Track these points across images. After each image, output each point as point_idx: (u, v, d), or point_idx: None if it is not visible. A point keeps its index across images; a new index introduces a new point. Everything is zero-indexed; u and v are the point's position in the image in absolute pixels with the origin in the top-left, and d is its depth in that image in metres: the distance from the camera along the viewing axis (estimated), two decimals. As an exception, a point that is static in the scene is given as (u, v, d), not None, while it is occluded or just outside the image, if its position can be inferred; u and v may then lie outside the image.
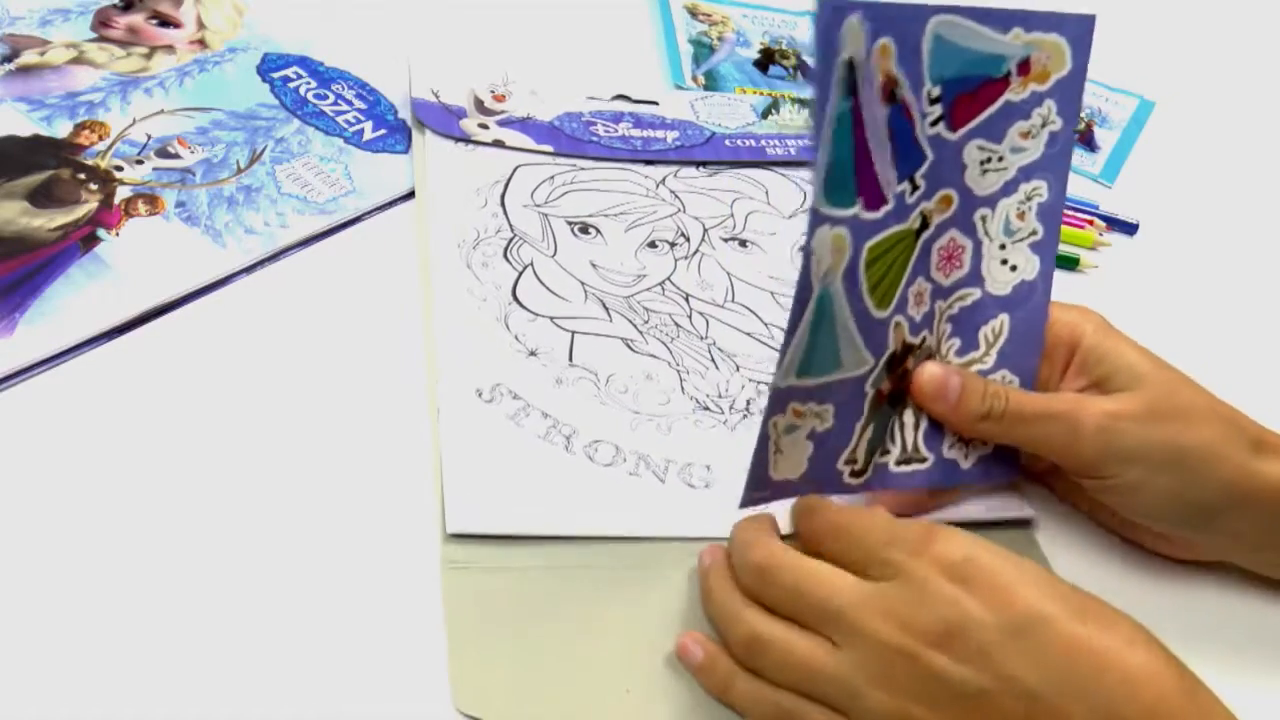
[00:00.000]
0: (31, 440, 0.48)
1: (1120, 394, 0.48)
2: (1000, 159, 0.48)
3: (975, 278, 0.49)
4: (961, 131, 0.48)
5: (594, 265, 0.60)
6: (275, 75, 0.67)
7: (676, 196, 0.65)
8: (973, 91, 0.47)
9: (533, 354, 0.55)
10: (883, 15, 0.44)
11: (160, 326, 0.54)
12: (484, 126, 0.66)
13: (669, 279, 0.61)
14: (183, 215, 0.58)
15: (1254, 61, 0.86)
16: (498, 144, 0.65)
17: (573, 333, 0.56)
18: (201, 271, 0.55)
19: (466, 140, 0.65)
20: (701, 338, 0.58)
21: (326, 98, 0.67)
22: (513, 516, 0.48)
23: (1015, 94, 0.48)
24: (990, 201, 0.49)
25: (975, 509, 0.52)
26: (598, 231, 0.62)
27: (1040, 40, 0.48)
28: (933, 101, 0.46)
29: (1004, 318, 0.49)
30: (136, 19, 0.69)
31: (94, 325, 0.52)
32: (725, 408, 0.55)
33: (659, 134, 0.69)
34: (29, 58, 0.65)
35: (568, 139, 0.67)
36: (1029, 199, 0.49)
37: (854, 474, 0.48)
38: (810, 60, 0.79)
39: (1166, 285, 0.67)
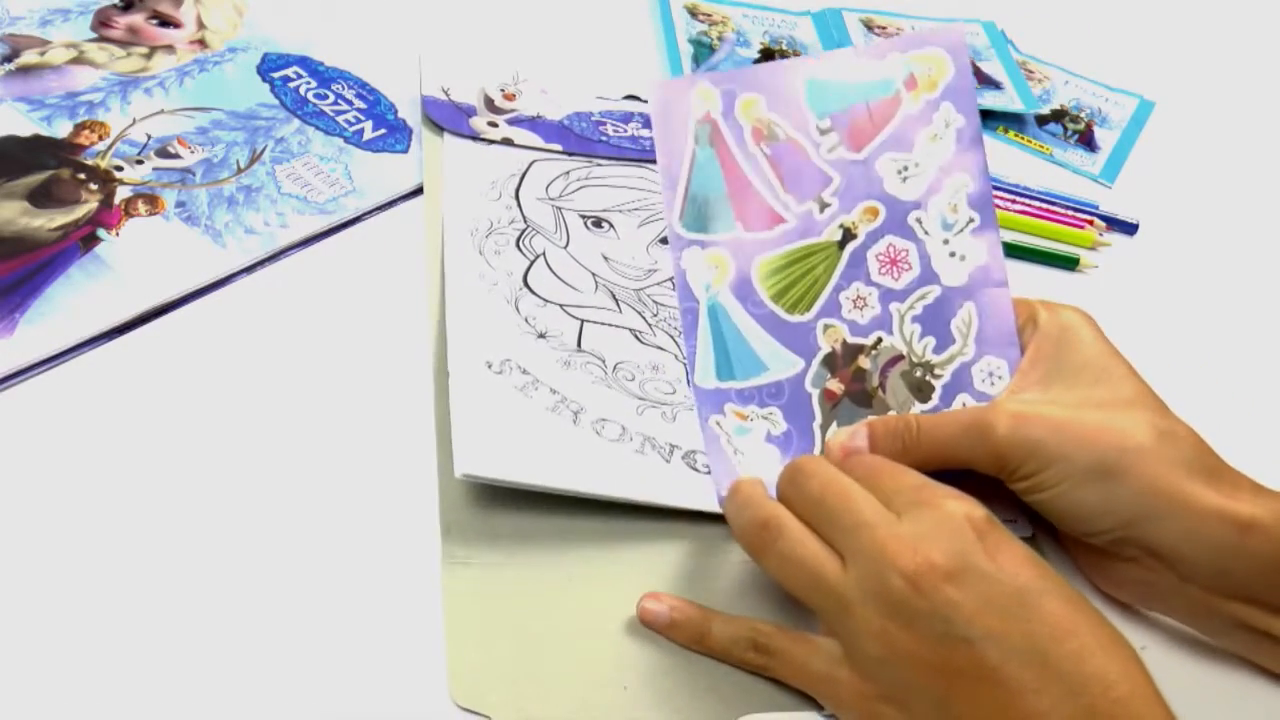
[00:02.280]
0: (31, 440, 0.48)
1: (1048, 390, 0.48)
2: (916, 164, 0.51)
3: (929, 275, 0.51)
4: (867, 149, 0.51)
5: (605, 258, 0.61)
6: (275, 75, 0.67)
7: None
8: (868, 115, 0.51)
9: (542, 336, 0.55)
10: (738, 79, 0.51)
11: (160, 326, 0.54)
12: (493, 124, 0.66)
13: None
14: (183, 215, 0.58)
15: (1254, 61, 0.86)
16: (506, 142, 0.65)
17: (582, 321, 0.57)
18: (201, 271, 0.55)
19: (475, 138, 0.65)
20: None
21: (326, 97, 0.67)
22: (521, 466, 0.48)
23: (910, 106, 0.51)
24: (919, 204, 0.51)
25: None
26: (610, 226, 0.62)
27: (917, 57, 0.51)
28: (823, 133, 0.51)
29: (969, 305, 0.50)
30: (136, 19, 0.69)
31: (94, 325, 0.52)
32: None
33: None
34: (29, 58, 0.65)
35: (577, 138, 0.67)
36: (957, 192, 0.51)
37: None
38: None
39: (1166, 285, 0.67)
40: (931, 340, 0.50)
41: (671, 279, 0.60)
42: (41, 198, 0.57)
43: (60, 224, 0.56)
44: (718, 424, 0.48)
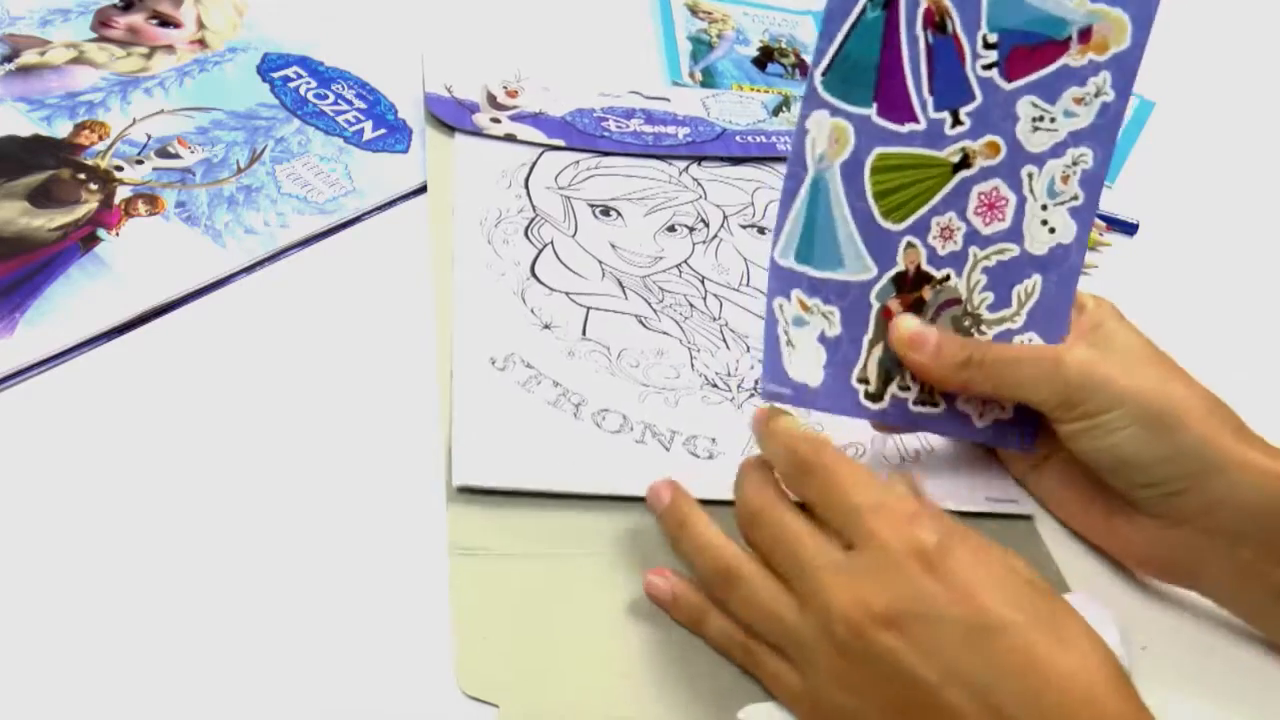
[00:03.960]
0: (31, 440, 0.48)
1: (1109, 349, 0.48)
2: (1052, 120, 0.49)
3: (1016, 234, 0.50)
4: (1016, 83, 0.49)
5: (613, 246, 0.62)
6: (275, 75, 0.67)
7: (699, 184, 0.67)
8: (1031, 47, 0.49)
9: (547, 327, 0.56)
10: None
11: (160, 326, 0.54)
12: (496, 121, 0.67)
13: (686, 262, 0.62)
14: (183, 215, 0.58)
15: (1254, 62, 0.86)
16: (509, 138, 0.66)
17: (588, 308, 0.58)
18: (201, 271, 0.55)
19: (478, 134, 0.66)
20: (714, 318, 0.59)
21: (326, 97, 0.67)
22: (517, 472, 0.49)
23: (1073, 59, 0.49)
24: (1039, 160, 0.49)
25: (974, 500, 0.53)
26: (618, 214, 0.64)
27: (1104, 11, 0.49)
28: (988, 46, 0.48)
29: (1037, 278, 0.50)
30: (136, 19, 0.69)
31: (94, 325, 0.52)
32: (733, 386, 0.56)
33: (670, 130, 0.70)
34: (29, 58, 0.65)
35: (579, 134, 0.68)
36: (1075, 164, 0.49)
37: (869, 396, 0.50)
38: (806, 60, 0.79)
39: (1166, 285, 0.67)
40: (990, 296, 0.50)
41: (677, 266, 0.61)
42: (41, 198, 0.57)
43: (60, 224, 0.56)
44: (780, 308, 0.48)
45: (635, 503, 0.50)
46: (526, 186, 0.64)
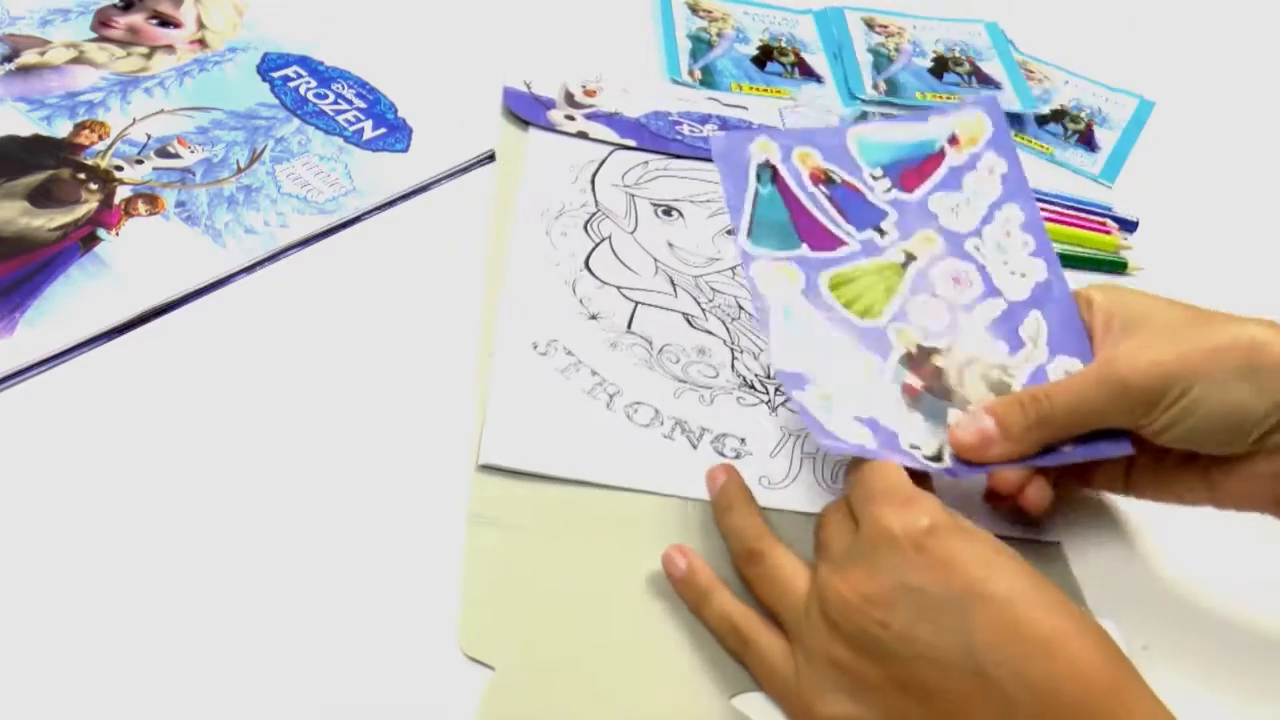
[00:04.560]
0: (31, 440, 0.48)
1: (1138, 331, 0.48)
2: (967, 200, 0.54)
3: (993, 290, 0.53)
4: (918, 192, 0.55)
5: (670, 245, 0.63)
6: (275, 75, 0.67)
7: None
8: (914, 166, 0.55)
9: (593, 317, 0.58)
10: (793, 136, 0.56)
11: (160, 326, 0.54)
12: (570, 118, 0.68)
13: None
14: (183, 215, 0.58)
15: (1254, 61, 0.86)
16: (581, 135, 0.68)
17: (636, 303, 0.59)
18: (201, 271, 0.55)
19: (551, 129, 0.68)
20: None
21: (326, 97, 0.67)
22: (542, 456, 0.51)
23: (955, 159, 0.55)
24: (975, 233, 0.54)
25: (999, 527, 0.52)
26: (680, 214, 0.65)
27: (958, 120, 0.56)
28: (876, 179, 0.55)
29: (1036, 314, 0.52)
30: (136, 19, 0.69)
31: (94, 325, 0.52)
32: (770, 389, 0.57)
33: None
34: (29, 58, 0.65)
35: (651, 135, 0.69)
36: (1009, 221, 0.54)
37: (929, 458, 0.49)
38: (805, 59, 0.79)
39: (1166, 285, 0.67)
40: (1004, 345, 0.52)
41: (732, 268, 0.62)
42: (41, 198, 0.57)
43: (60, 224, 0.56)
44: (802, 399, 0.50)
45: (653, 495, 0.51)
46: (592, 182, 0.65)
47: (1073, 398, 0.48)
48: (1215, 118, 0.80)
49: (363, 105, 0.67)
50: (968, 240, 0.54)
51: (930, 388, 0.51)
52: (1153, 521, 0.54)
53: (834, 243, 0.53)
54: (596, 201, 0.64)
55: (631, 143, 0.68)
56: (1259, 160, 0.77)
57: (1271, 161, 0.77)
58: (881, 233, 0.54)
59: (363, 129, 0.65)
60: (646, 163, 0.67)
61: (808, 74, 0.78)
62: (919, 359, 0.51)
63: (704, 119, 0.71)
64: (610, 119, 0.69)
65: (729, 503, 0.49)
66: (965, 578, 0.41)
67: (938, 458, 0.49)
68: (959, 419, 0.49)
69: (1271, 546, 0.52)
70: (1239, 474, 0.49)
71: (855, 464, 0.47)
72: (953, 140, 0.55)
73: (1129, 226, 0.70)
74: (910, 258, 0.53)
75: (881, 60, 0.79)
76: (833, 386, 0.50)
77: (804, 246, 0.53)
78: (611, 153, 0.68)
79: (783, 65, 0.78)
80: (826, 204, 0.54)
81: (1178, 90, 0.81)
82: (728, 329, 0.59)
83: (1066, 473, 0.51)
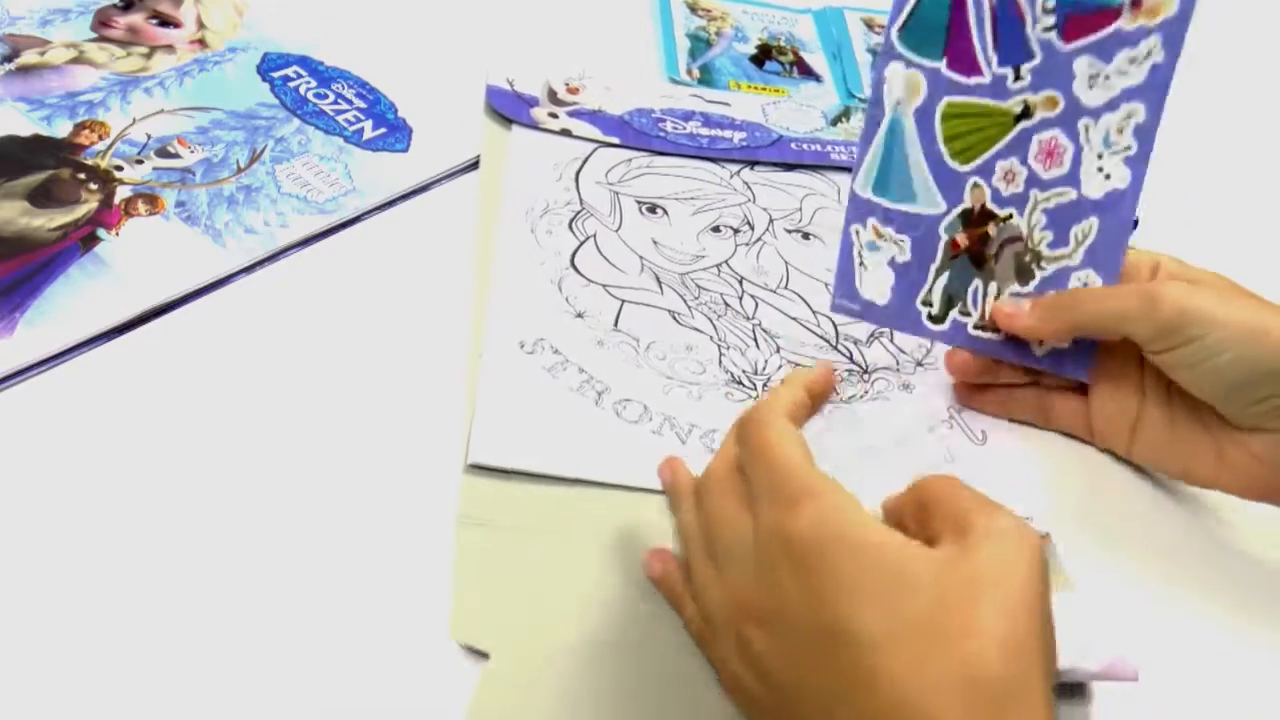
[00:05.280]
0: (31, 440, 0.48)
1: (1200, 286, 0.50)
2: (1107, 78, 0.52)
3: (1073, 179, 0.52)
4: (1073, 44, 0.52)
5: (655, 242, 0.63)
6: (275, 75, 0.67)
7: (749, 187, 0.68)
8: (1087, 14, 0.52)
9: (579, 315, 0.58)
10: None
11: (160, 326, 0.54)
12: (554, 115, 0.68)
13: (726, 262, 0.63)
14: (183, 215, 0.58)
15: (1254, 61, 0.86)
16: (565, 133, 0.68)
17: (622, 301, 0.59)
18: (201, 271, 0.56)
19: (534, 127, 0.67)
20: (748, 318, 0.60)
21: (326, 97, 0.67)
22: (531, 455, 0.51)
23: (1126, 24, 0.52)
24: (1094, 113, 0.52)
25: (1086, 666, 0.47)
26: (665, 212, 0.65)
27: None
28: (1046, 11, 0.52)
29: (1094, 220, 0.52)
30: (136, 19, 0.69)
31: (94, 325, 0.52)
32: (759, 385, 0.57)
33: (726, 134, 0.71)
34: (29, 58, 0.65)
35: (635, 133, 0.69)
36: (1129, 117, 0.52)
37: (931, 318, 0.55)
38: (804, 58, 0.79)
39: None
40: (1049, 235, 0.53)
41: (717, 266, 0.62)
42: (41, 198, 0.57)
43: (60, 224, 0.56)
44: (856, 233, 0.54)
45: (643, 491, 0.50)
46: (576, 180, 0.65)
47: (1106, 294, 0.51)
48: (1215, 118, 0.80)
49: (363, 105, 0.67)
50: (1084, 117, 0.52)
51: (971, 251, 0.54)
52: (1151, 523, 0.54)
53: (972, 69, 0.53)
54: (581, 199, 0.64)
55: (615, 140, 0.68)
56: (1259, 160, 0.77)
57: (1271, 161, 0.77)
58: (1018, 75, 0.53)
59: (363, 129, 0.65)
60: (630, 160, 0.67)
61: (806, 73, 0.78)
62: (978, 219, 0.54)
63: (687, 116, 0.71)
64: (594, 116, 0.69)
65: (675, 500, 0.47)
66: (833, 611, 0.36)
67: (940, 319, 0.54)
68: (1002, 302, 0.53)
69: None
70: (1248, 448, 0.50)
71: (754, 426, 0.42)
72: (1135, 3, 0.52)
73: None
74: (1026, 112, 0.53)
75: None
76: (893, 226, 0.54)
77: (944, 61, 0.53)
78: (595, 150, 0.68)
79: (781, 64, 0.79)
80: (988, 21, 0.52)
81: (1178, 90, 0.81)
82: (714, 325, 0.59)
83: (1028, 404, 0.56)
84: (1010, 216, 0.54)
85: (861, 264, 0.55)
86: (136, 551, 0.45)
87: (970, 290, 0.55)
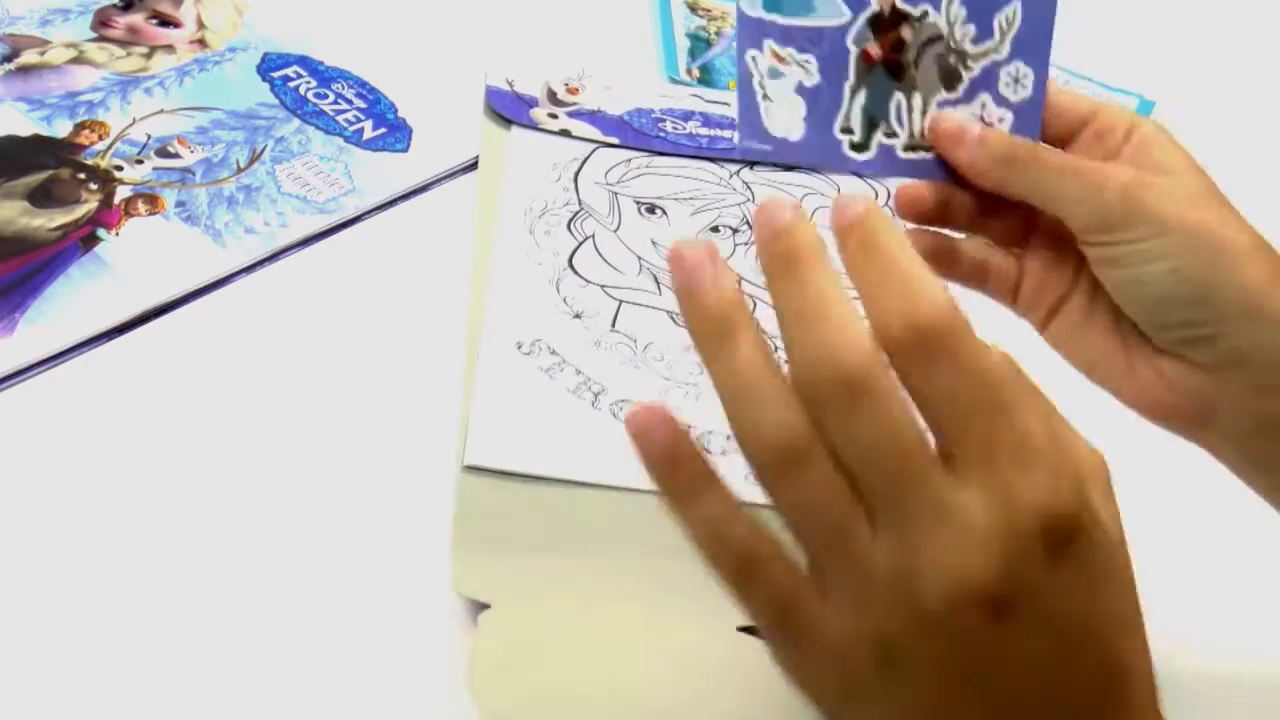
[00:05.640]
0: (31, 440, 0.48)
1: (1161, 174, 0.44)
2: None
3: None
4: None
5: (654, 243, 0.63)
6: (275, 75, 0.67)
7: (748, 187, 0.68)
8: None
9: (577, 316, 0.57)
10: None
11: (160, 326, 0.54)
12: (553, 116, 0.68)
13: (725, 262, 0.62)
14: (183, 215, 0.58)
15: (1254, 61, 0.86)
16: (564, 133, 0.67)
17: (620, 301, 0.59)
18: (201, 271, 0.56)
19: (534, 128, 0.67)
20: None
21: (326, 97, 0.67)
22: (527, 457, 0.50)
23: None
24: None
25: None
26: (663, 212, 0.64)
27: None
28: None
29: (1016, 4, 0.49)
30: (136, 19, 0.69)
31: (94, 325, 0.52)
32: None
33: (726, 134, 0.71)
34: (29, 58, 0.65)
35: (634, 133, 0.69)
36: None
37: (854, 147, 0.49)
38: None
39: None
40: (972, 29, 0.49)
41: None
42: (41, 198, 0.57)
43: (60, 224, 0.56)
44: (753, 60, 0.48)
45: (640, 492, 0.50)
46: (575, 181, 0.65)
47: (1053, 165, 0.45)
48: (1215, 118, 0.80)
49: (363, 105, 0.67)
50: None
51: (887, 61, 0.48)
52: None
53: None
54: (580, 200, 0.64)
55: (615, 140, 0.68)
56: (1259, 160, 0.77)
57: (1271, 161, 0.77)
58: None
59: (363, 129, 0.65)
60: (629, 161, 0.67)
61: None
62: (889, 23, 0.48)
63: (687, 116, 0.71)
64: (593, 116, 0.69)
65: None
66: (1093, 608, 0.30)
67: (863, 145, 0.48)
68: (951, 114, 0.47)
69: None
70: (1157, 368, 0.44)
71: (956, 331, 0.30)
72: None
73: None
74: None
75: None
76: (793, 46, 0.48)
77: None
78: (594, 150, 0.67)
79: (782, 65, 0.79)
80: None
81: (1178, 90, 0.81)
82: None
83: (968, 262, 0.48)
84: (925, 14, 0.48)
85: (765, 96, 0.48)
86: (136, 550, 0.45)
87: (893, 106, 0.48)
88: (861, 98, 0.48)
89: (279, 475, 0.49)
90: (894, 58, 0.48)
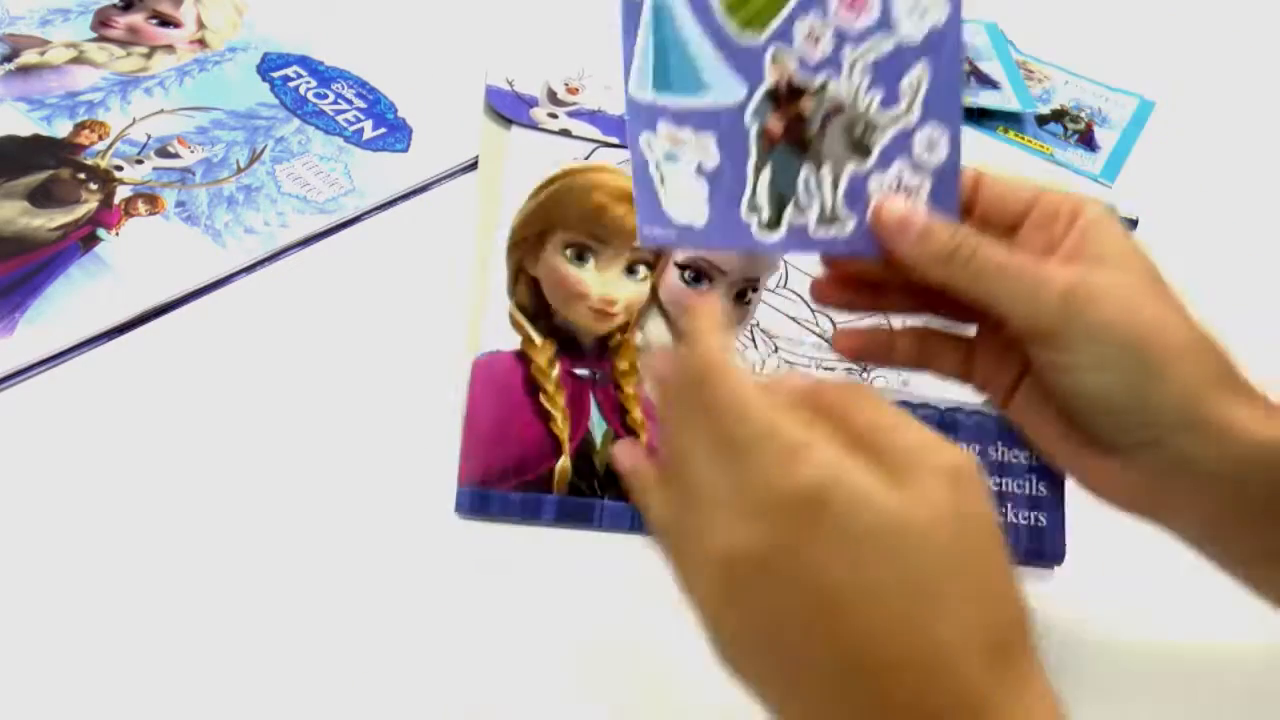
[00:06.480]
0: (31, 440, 0.48)
1: (1099, 270, 0.43)
2: None
3: (886, 24, 0.46)
4: None
5: None
6: (275, 75, 0.67)
7: None
8: None
9: None
10: None
11: (160, 326, 0.54)
12: (553, 116, 0.68)
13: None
14: (183, 215, 0.58)
15: (1254, 61, 0.86)
16: (564, 133, 0.67)
17: None
18: (201, 271, 0.55)
19: (534, 128, 0.67)
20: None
21: (326, 97, 0.67)
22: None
23: None
24: None
25: None
26: None
27: None
28: None
29: (922, 64, 0.46)
30: (136, 19, 0.69)
31: (94, 325, 0.52)
32: None
33: None
34: (29, 58, 0.65)
35: None
36: None
37: (764, 226, 0.47)
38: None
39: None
40: (879, 94, 0.46)
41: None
42: (41, 198, 0.57)
43: (60, 224, 0.56)
44: (648, 144, 0.46)
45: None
46: None
47: (994, 265, 0.43)
48: (1215, 118, 0.80)
49: (362, 105, 0.67)
50: None
51: (789, 136, 0.46)
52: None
53: None
54: None
55: (615, 140, 0.68)
56: (1259, 160, 0.77)
57: (1271, 161, 0.77)
58: None
59: (363, 129, 0.65)
60: (629, 160, 0.68)
61: None
62: (787, 97, 0.46)
63: None
64: (593, 116, 0.69)
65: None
66: (833, 578, 0.35)
67: (774, 223, 0.46)
68: (895, 200, 0.45)
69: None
70: (1102, 460, 0.45)
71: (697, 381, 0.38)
72: None
73: (1129, 225, 0.70)
74: None
75: None
76: (689, 127, 0.45)
77: None
78: (594, 150, 0.67)
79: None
80: None
81: (1178, 90, 0.81)
82: None
83: (908, 351, 0.48)
84: (826, 85, 0.46)
85: (662, 180, 0.46)
86: (136, 550, 0.45)
87: (801, 181, 0.47)
88: (767, 175, 0.46)
89: (279, 475, 0.49)
90: (797, 131, 0.46)
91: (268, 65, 0.68)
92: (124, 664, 0.42)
